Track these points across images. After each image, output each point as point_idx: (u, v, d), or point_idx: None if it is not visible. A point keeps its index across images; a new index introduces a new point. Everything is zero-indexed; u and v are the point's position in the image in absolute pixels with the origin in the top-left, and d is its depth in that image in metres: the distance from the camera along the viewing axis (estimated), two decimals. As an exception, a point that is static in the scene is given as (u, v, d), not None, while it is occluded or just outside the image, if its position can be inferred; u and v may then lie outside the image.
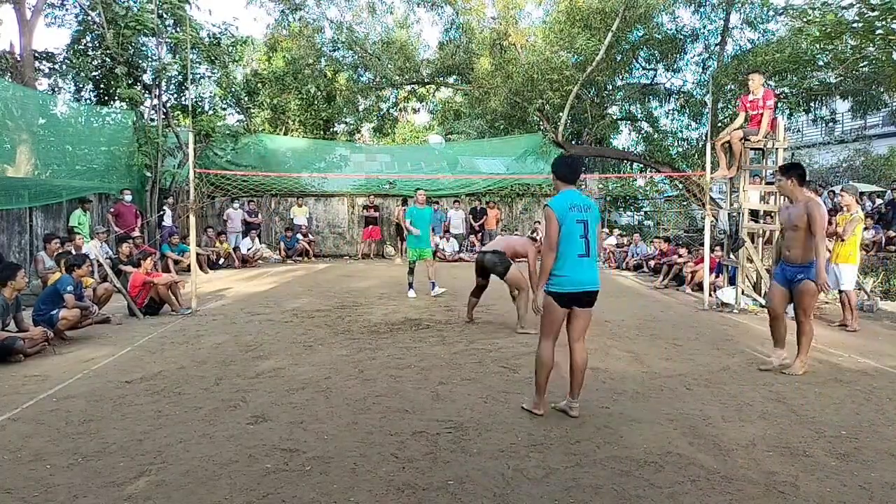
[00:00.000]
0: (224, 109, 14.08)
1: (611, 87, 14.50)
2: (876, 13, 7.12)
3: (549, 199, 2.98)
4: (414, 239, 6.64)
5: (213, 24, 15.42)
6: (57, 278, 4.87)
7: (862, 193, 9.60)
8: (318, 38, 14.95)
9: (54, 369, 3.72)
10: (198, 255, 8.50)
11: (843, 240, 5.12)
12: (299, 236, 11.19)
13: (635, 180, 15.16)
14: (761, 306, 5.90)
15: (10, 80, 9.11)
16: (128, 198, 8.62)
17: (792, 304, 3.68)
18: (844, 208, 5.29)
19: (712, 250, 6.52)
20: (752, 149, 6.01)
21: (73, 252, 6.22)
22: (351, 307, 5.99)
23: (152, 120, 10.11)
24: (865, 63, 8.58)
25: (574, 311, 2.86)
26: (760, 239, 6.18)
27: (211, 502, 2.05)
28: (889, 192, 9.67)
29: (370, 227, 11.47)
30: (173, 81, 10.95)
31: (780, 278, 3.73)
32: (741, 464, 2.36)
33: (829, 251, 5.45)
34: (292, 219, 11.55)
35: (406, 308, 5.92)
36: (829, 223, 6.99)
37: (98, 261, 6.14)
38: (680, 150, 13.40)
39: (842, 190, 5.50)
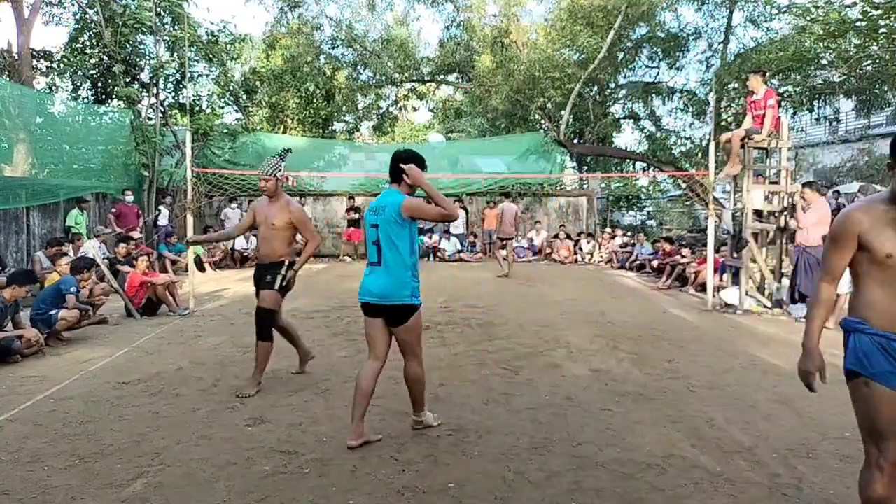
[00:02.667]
0: (222, 108, 14.01)
1: (613, 86, 14.46)
2: (880, 11, 7.08)
3: None
4: None
5: (212, 21, 15.44)
6: (58, 278, 4.85)
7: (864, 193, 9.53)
8: (316, 35, 14.89)
9: (52, 370, 3.70)
10: (199, 257, 8.48)
11: None
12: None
13: (638, 180, 15.11)
14: (765, 307, 5.88)
15: (7, 78, 9.08)
16: (129, 198, 8.61)
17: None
18: None
19: (716, 251, 6.48)
20: (755, 148, 5.97)
21: (72, 253, 6.20)
22: (350, 308, 5.95)
23: (150, 118, 10.07)
24: (869, 62, 8.53)
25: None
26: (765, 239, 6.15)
27: (208, 506, 2.03)
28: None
29: (351, 228, 11.36)
30: (171, 80, 10.91)
31: (886, 367, 1.55)
32: (745, 466, 2.34)
33: None
34: None
35: (406, 308, 5.88)
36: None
37: (95, 261, 6.12)
38: (683, 149, 13.36)
39: (859, 190, 5.38)
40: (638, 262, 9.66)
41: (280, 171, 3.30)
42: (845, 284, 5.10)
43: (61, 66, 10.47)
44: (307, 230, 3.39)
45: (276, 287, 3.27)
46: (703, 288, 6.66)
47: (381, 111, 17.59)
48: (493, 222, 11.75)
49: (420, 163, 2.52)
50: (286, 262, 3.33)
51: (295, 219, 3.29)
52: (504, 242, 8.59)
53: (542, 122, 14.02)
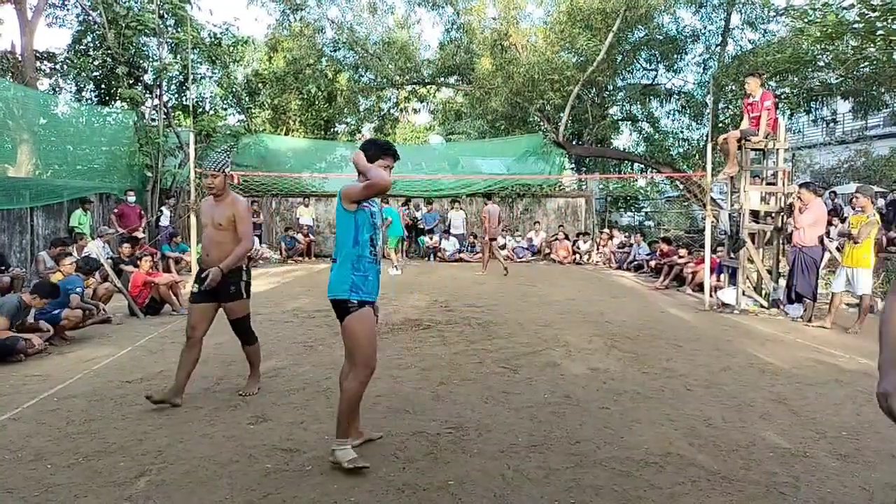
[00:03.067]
0: (225, 109, 14.11)
1: (612, 88, 14.53)
2: (877, 14, 7.14)
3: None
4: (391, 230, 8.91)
5: (214, 24, 15.50)
6: (62, 277, 4.88)
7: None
8: (318, 38, 14.98)
9: (55, 369, 3.72)
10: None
11: (857, 242, 4.96)
12: (299, 236, 11.20)
13: (636, 181, 15.17)
14: (762, 307, 5.91)
15: (11, 80, 9.14)
16: (131, 199, 8.65)
17: None
18: (860, 210, 5.24)
19: (713, 251, 6.52)
20: (753, 149, 6.01)
21: (76, 253, 6.24)
22: (351, 307, 5.97)
23: (153, 120, 10.13)
24: (866, 63, 8.58)
25: None
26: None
27: (211, 502, 2.05)
28: (890, 193, 9.67)
29: None
30: (174, 81, 10.98)
31: None
32: (741, 465, 2.36)
33: (840, 252, 5.44)
34: (298, 219, 11.58)
35: (406, 308, 5.92)
36: (830, 223, 7.01)
37: (101, 262, 6.15)
38: (681, 150, 13.42)
39: (857, 191, 5.42)
40: (636, 263, 9.70)
41: (227, 167, 3.11)
42: (841, 284, 5.16)
43: (65, 67, 10.54)
44: (243, 227, 3.06)
45: (245, 296, 3.12)
46: (700, 288, 6.69)
47: (383, 113, 17.68)
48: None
49: (370, 149, 2.32)
50: (244, 267, 3.14)
51: (237, 214, 3.04)
52: (490, 242, 9.10)
53: (542, 123, 14.08)
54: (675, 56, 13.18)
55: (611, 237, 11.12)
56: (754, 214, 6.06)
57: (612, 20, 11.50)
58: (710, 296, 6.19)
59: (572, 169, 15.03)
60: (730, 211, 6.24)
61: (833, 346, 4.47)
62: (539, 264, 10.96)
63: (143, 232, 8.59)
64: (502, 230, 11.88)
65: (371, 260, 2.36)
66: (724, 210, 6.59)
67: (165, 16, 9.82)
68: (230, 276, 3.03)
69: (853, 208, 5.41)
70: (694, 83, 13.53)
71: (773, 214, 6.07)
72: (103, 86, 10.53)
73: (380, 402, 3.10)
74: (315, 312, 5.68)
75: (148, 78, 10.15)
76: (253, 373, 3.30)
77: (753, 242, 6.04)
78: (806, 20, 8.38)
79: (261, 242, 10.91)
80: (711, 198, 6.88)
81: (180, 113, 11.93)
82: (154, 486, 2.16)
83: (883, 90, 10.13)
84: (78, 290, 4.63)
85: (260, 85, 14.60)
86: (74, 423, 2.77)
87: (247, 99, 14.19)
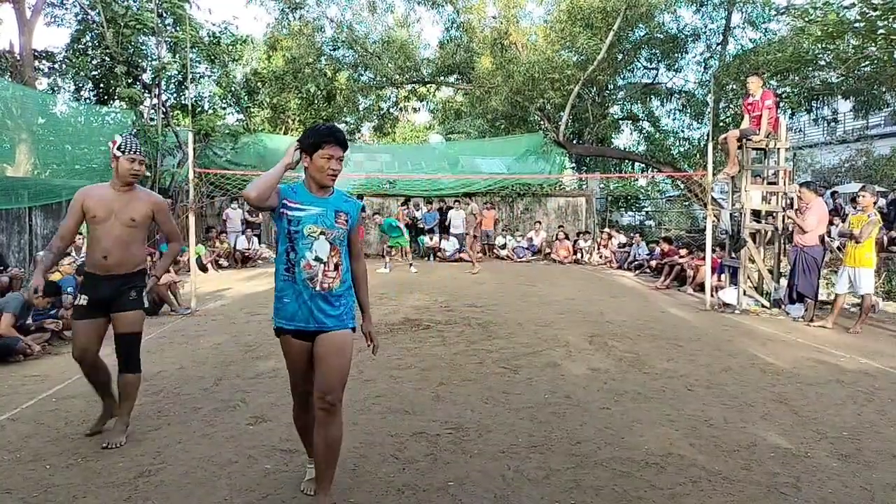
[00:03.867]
0: (224, 109, 14.08)
1: (612, 87, 14.51)
2: (878, 13, 7.12)
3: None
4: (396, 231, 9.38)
5: (213, 23, 15.48)
6: (61, 277, 4.88)
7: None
8: (318, 36, 14.96)
9: (54, 369, 3.72)
10: (200, 257, 8.51)
11: (858, 242, 4.97)
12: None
13: (637, 180, 15.15)
14: (763, 307, 5.91)
15: (9, 79, 9.13)
16: None
17: None
18: (860, 209, 5.24)
19: (713, 251, 6.52)
20: (754, 149, 6.00)
21: (74, 253, 6.22)
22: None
23: (152, 119, 10.11)
24: (867, 63, 8.57)
25: None
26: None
27: (210, 503, 2.04)
28: (891, 192, 9.67)
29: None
30: (173, 81, 10.96)
31: None
32: (742, 465, 2.35)
33: (842, 251, 5.43)
34: None
35: (406, 308, 5.91)
36: (831, 222, 7.00)
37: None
38: (681, 149, 13.40)
39: (862, 189, 5.42)
40: (636, 263, 9.70)
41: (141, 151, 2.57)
42: (844, 285, 5.15)
43: (63, 66, 10.52)
44: (172, 224, 2.69)
45: (146, 305, 2.66)
46: (701, 288, 6.69)
47: (382, 112, 17.66)
48: (490, 223, 11.84)
49: (309, 138, 1.89)
50: (146, 271, 2.66)
51: (158, 209, 2.59)
52: (473, 239, 9.84)
53: (542, 122, 14.06)
54: (676, 55, 13.16)
55: (610, 237, 11.11)
56: (755, 214, 6.05)
57: (612, 19, 11.48)
58: (711, 295, 6.18)
59: (573, 168, 15.02)
60: (731, 210, 6.23)
61: (834, 345, 4.46)
62: (539, 264, 10.95)
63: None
64: (502, 230, 11.95)
65: (285, 277, 1.89)
66: (725, 209, 6.59)
67: (164, 15, 9.80)
68: (133, 278, 2.55)
69: (854, 207, 5.41)
70: (695, 82, 13.52)
71: (775, 214, 6.07)
72: (102, 85, 10.52)
73: (379, 402, 3.09)
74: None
75: (146, 77, 10.14)
76: (122, 413, 2.56)
77: (754, 242, 6.04)
78: (807, 19, 8.36)
79: (260, 242, 10.89)
80: (712, 197, 6.87)
81: (179, 112, 11.91)
82: (153, 486, 2.15)
83: (884, 89, 10.11)
84: (69, 289, 4.62)
85: (259, 84, 14.58)
86: (73, 424, 2.76)
87: (246, 98, 14.16)
